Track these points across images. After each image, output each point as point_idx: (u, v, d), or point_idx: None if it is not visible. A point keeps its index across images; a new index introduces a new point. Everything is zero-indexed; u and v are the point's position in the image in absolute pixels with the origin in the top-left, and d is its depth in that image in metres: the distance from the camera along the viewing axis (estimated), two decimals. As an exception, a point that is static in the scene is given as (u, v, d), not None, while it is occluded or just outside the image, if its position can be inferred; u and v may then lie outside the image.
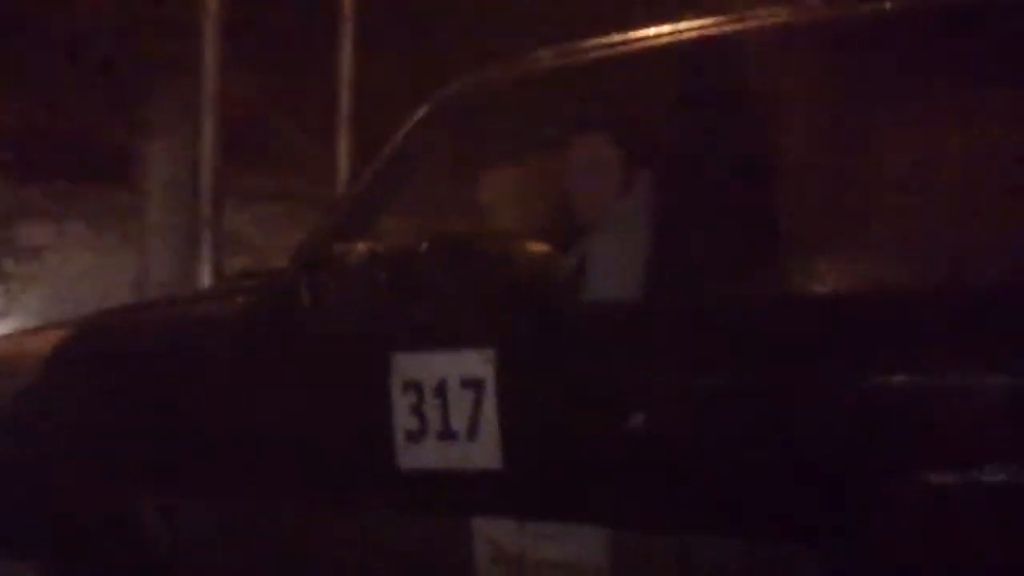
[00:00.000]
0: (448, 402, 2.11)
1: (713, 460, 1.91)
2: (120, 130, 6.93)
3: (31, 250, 6.65)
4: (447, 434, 2.12)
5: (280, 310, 2.37)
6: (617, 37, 2.27)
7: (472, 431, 2.09)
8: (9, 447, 2.68)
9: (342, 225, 2.37)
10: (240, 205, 7.18)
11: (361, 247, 2.23)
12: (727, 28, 2.14)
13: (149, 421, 2.50)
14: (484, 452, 2.07)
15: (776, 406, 1.88)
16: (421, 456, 2.15)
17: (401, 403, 2.15)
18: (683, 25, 2.19)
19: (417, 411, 2.14)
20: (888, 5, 2.01)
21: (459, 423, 2.10)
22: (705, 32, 2.15)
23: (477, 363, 2.08)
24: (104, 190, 6.88)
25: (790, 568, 1.86)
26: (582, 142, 2.44)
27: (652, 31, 2.22)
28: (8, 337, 3.15)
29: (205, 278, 5.94)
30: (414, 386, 2.15)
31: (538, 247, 2.65)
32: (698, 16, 2.19)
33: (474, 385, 2.08)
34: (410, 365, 2.15)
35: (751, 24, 2.12)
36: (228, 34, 5.98)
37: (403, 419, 2.15)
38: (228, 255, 6.37)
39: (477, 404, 2.08)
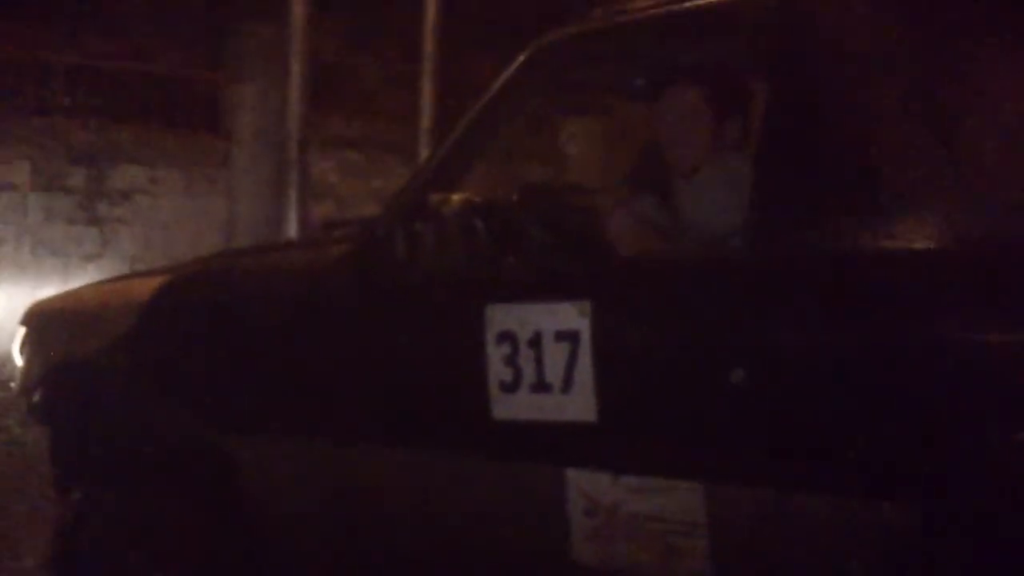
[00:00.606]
0: (543, 354, 2.11)
1: (812, 415, 1.88)
2: (210, 76, 7.02)
3: (123, 194, 6.79)
4: (541, 386, 2.11)
5: (375, 259, 2.37)
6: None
7: (567, 384, 2.08)
8: (110, 390, 2.75)
9: (438, 174, 2.36)
10: (323, 152, 7.24)
11: (457, 197, 2.22)
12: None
13: (245, 366, 2.54)
14: (579, 405, 2.06)
15: (877, 361, 1.84)
16: (514, 407, 2.14)
17: (495, 354, 2.15)
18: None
19: (511, 362, 2.14)
20: None
21: (554, 375, 2.09)
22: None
23: (573, 316, 2.07)
24: (194, 135, 6.98)
25: (888, 526, 1.83)
26: (674, 91, 2.42)
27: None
28: (106, 283, 3.22)
29: (291, 223, 6.03)
30: (508, 337, 2.14)
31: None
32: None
33: (570, 337, 2.07)
34: (505, 316, 2.15)
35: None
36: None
37: (497, 370, 2.15)
38: (312, 201, 6.44)
39: (572, 357, 2.07)
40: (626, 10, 2.27)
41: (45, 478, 3.62)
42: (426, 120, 6.73)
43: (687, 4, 2.21)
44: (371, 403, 2.39)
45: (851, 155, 1.96)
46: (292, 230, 6.04)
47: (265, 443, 2.54)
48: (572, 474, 2.11)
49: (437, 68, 6.64)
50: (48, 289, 5.81)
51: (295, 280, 2.56)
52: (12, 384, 3.20)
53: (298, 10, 5.61)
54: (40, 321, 3.02)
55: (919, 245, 1.87)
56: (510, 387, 2.15)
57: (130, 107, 6.74)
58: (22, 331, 3.06)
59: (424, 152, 6.66)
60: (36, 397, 2.96)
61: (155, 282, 2.77)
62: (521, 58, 2.30)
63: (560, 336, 2.08)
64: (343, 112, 7.45)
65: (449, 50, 6.68)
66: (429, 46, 6.63)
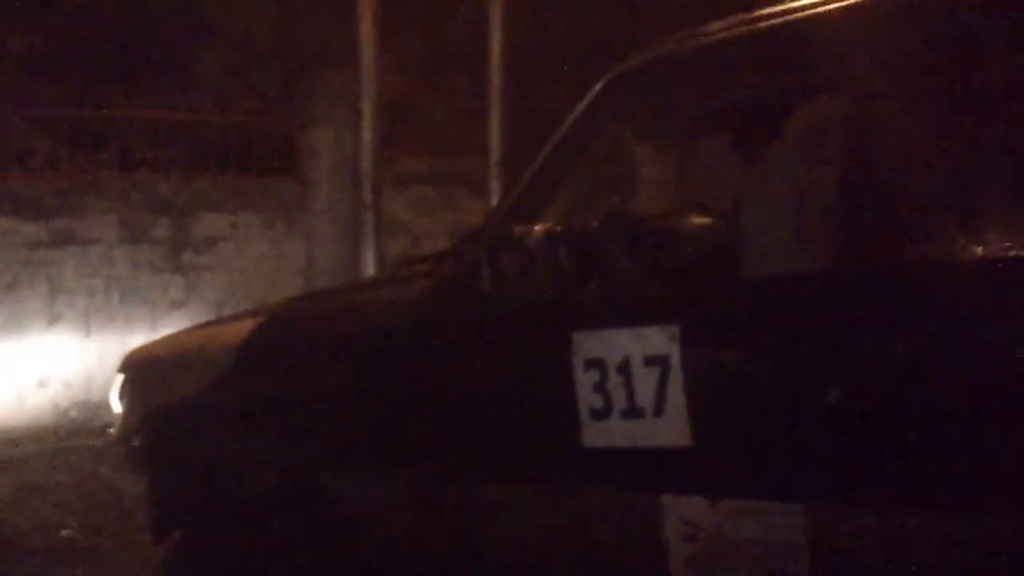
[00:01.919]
0: (632, 380, 2.11)
1: (913, 433, 1.85)
2: (285, 121, 7.16)
3: (207, 241, 6.93)
4: (632, 412, 2.11)
5: (461, 292, 2.40)
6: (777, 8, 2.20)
7: (658, 408, 2.07)
8: (210, 430, 2.81)
9: (521, 205, 2.39)
10: (396, 189, 7.33)
11: (539, 227, 2.24)
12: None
13: (339, 402, 2.58)
14: (672, 429, 2.06)
15: (980, 375, 1.80)
16: (606, 434, 2.14)
17: (584, 381, 2.16)
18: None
19: (601, 389, 2.14)
20: None
21: (644, 400, 2.09)
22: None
23: (661, 340, 2.07)
24: (272, 181, 7.12)
25: (1003, 544, 1.79)
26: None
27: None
28: (201, 327, 3.29)
29: (369, 262, 6.11)
30: (597, 364, 2.15)
31: (708, 221, 2.63)
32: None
33: (659, 362, 2.07)
34: (592, 343, 2.16)
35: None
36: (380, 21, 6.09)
37: (587, 397, 2.16)
38: (387, 238, 6.52)
39: (663, 381, 2.07)
40: (701, 35, 2.28)
41: (141, 524, 3.69)
42: (495, 153, 6.78)
43: (761, 25, 2.21)
44: (460, 433, 2.40)
45: (942, 167, 1.94)
46: (369, 269, 6.12)
47: (364, 477, 2.57)
48: (669, 500, 2.10)
49: (504, 102, 6.70)
50: (137, 337, 5.96)
51: (385, 316, 2.60)
52: (110, 430, 3.27)
53: (367, 54, 5.72)
54: (138, 367, 3.10)
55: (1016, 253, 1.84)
56: (601, 414, 2.15)
57: (209, 156, 6.90)
58: (120, 378, 3.14)
59: (495, 185, 6.71)
60: (136, 442, 3.03)
61: (247, 325, 2.83)
62: (597, 87, 2.31)
63: (649, 361, 2.08)
64: (413, 149, 7.54)
65: (516, 83, 6.74)
66: (496, 80, 6.69)
